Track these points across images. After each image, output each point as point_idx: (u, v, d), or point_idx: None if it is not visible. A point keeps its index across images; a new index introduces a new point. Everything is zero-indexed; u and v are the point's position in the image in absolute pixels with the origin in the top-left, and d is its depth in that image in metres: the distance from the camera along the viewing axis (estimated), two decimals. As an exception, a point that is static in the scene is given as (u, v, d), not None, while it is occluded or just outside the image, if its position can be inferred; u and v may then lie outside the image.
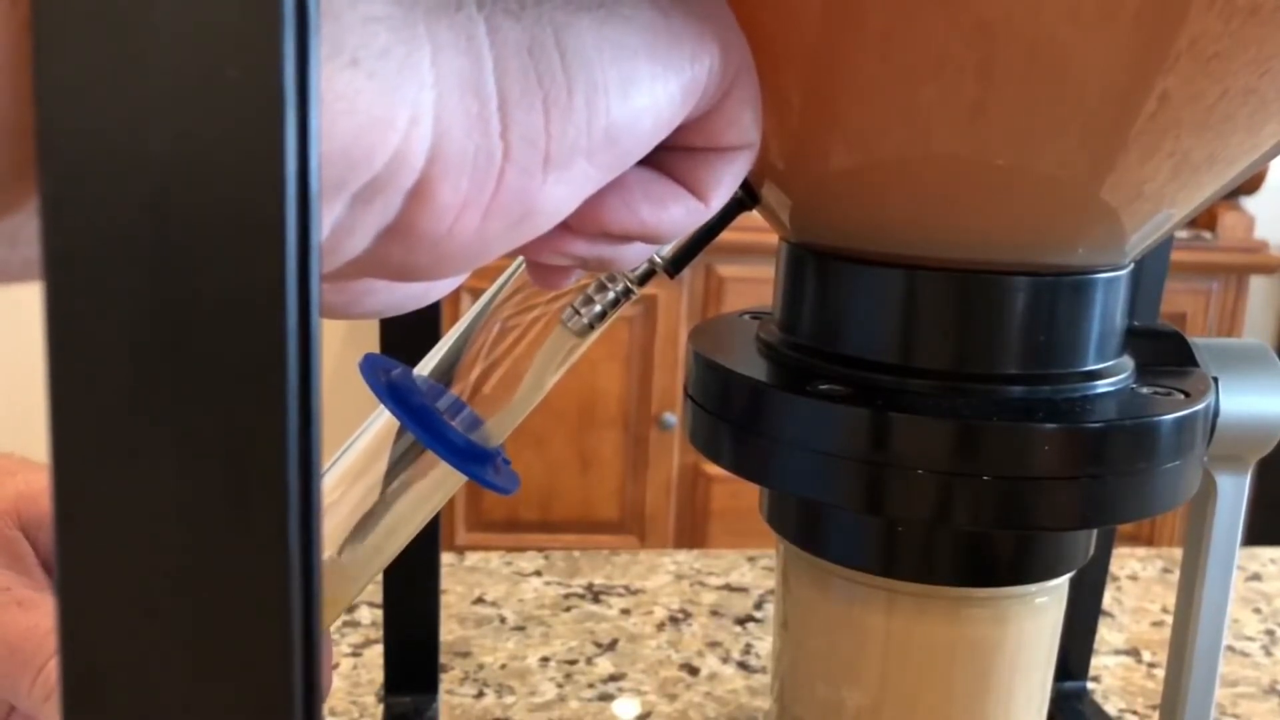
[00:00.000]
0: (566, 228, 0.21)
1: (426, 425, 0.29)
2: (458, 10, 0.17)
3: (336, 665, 0.56)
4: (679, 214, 0.22)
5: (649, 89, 0.19)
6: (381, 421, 0.30)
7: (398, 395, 0.29)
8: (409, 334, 0.39)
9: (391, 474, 0.30)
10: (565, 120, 0.18)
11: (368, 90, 0.16)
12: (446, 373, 0.30)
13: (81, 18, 0.11)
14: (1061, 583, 0.31)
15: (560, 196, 0.19)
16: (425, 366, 0.31)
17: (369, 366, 0.29)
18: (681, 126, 0.21)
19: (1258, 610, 0.67)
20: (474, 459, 0.29)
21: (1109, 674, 0.59)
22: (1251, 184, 1.85)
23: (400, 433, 0.30)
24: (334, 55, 0.15)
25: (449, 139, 0.17)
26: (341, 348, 1.87)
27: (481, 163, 0.18)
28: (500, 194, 0.18)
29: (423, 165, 0.17)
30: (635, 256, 0.23)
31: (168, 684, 0.12)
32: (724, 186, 0.23)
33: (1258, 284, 2.01)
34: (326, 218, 0.17)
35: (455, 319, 0.31)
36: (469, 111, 0.17)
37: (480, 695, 0.54)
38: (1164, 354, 0.31)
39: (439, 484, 0.30)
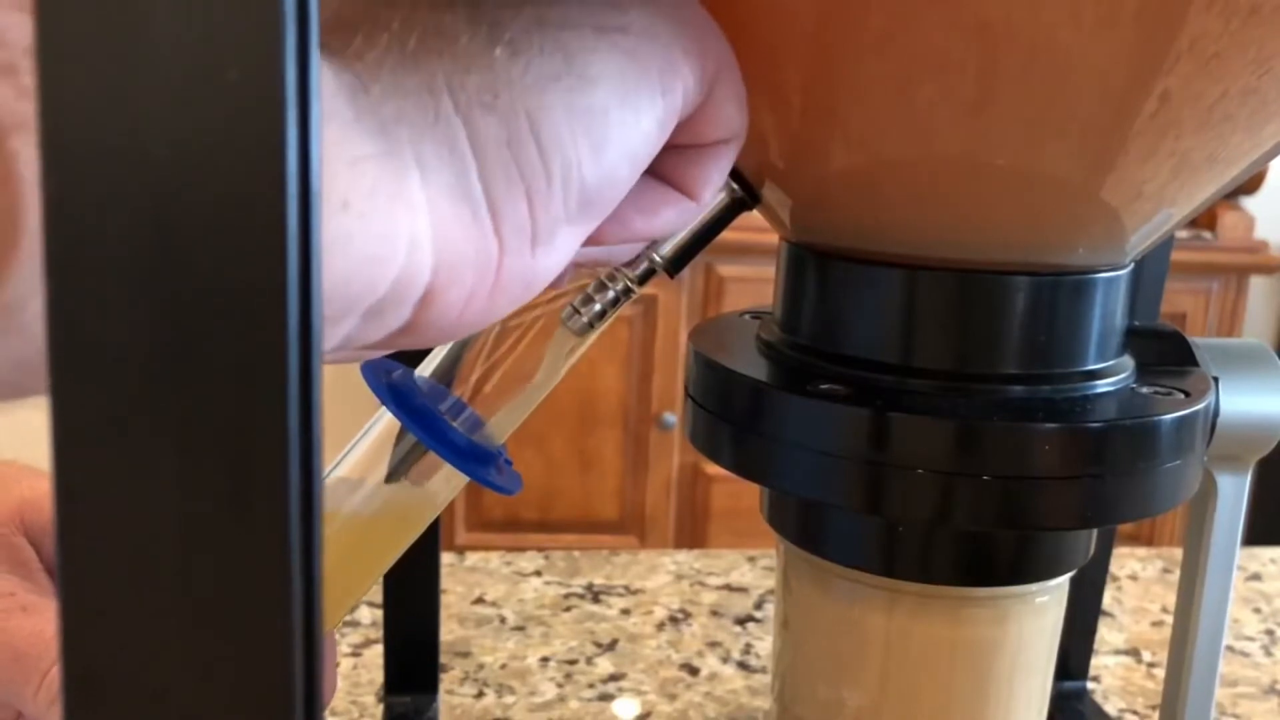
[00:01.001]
0: None
1: (428, 426, 0.28)
2: (436, 120, 0.18)
3: (338, 665, 0.56)
4: (671, 216, 0.23)
5: (621, 141, 0.20)
6: (383, 423, 0.30)
7: (399, 397, 0.29)
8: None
9: (393, 476, 0.30)
10: (546, 206, 0.19)
11: (361, 232, 0.16)
12: (447, 373, 0.30)
13: (82, 21, 0.11)
14: (1061, 582, 0.31)
15: (551, 264, 0.20)
16: (426, 367, 0.31)
17: (370, 368, 0.29)
18: None
19: (1258, 610, 0.67)
20: (476, 460, 0.29)
21: (1109, 674, 0.59)
22: (1251, 184, 1.85)
23: (402, 434, 0.30)
24: (325, 200, 0.15)
25: (449, 248, 0.18)
26: (341, 348, 1.87)
27: (481, 260, 0.19)
28: (500, 279, 0.19)
29: (428, 280, 0.18)
30: (630, 251, 0.25)
31: (168, 687, 0.12)
32: (712, 181, 0.23)
33: (1258, 284, 2.00)
34: (337, 333, 0.18)
35: (455, 319, 0.31)
36: (462, 219, 0.18)
37: (480, 695, 0.54)
38: (1164, 354, 0.31)
39: (440, 485, 0.30)
